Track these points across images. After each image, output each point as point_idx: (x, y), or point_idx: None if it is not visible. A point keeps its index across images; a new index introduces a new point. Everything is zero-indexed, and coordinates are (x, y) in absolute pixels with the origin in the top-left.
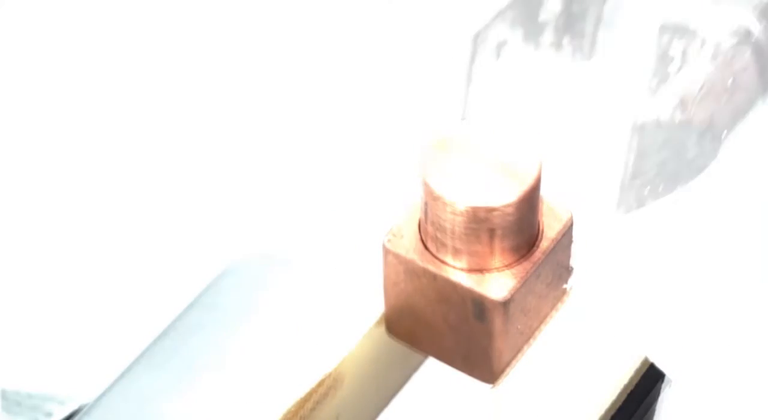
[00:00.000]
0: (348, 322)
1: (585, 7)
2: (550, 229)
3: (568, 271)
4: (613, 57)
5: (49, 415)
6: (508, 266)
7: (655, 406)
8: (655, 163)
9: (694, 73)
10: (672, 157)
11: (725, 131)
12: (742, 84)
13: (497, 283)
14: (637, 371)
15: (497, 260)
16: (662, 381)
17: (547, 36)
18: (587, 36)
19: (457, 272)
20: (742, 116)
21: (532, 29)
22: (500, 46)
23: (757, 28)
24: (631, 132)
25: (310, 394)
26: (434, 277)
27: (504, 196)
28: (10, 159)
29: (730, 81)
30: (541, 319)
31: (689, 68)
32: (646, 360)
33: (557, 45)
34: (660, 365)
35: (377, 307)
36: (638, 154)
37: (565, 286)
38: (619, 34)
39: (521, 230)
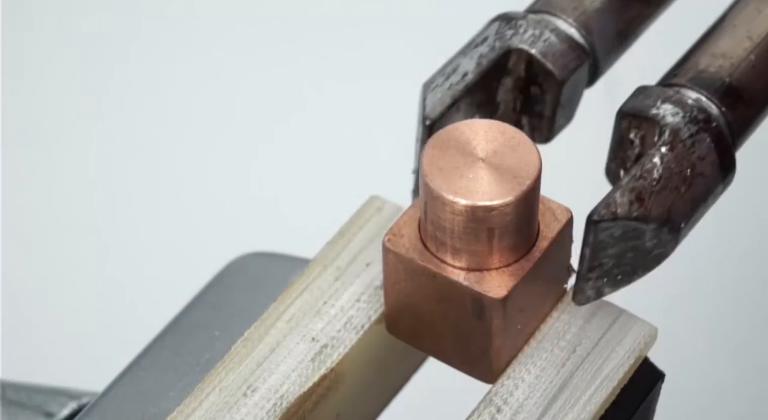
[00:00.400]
0: (349, 320)
1: (543, 90)
2: (548, 228)
3: (568, 270)
4: (571, 141)
5: (50, 415)
6: (507, 265)
7: (655, 405)
8: (612, 255)
9: (652, 164)
10: (629, 249)
11: (683, 222)
12: (701, 173)
13: (496, 282)
14: (637, 371)
15: (496, 259)
16: (662, 380)
17: (505, 113)
18: (545, 118)
19: (456, 271)
20: (702, 205)
21: (488, 110)
22: None
23: (717, 114)
24: (587, 227)
25: (310, 393)
26: (434, 276)
27: (503, 195)
28: (19, 159)
29: (688, 171)
30: (541, 318)
31: (647, 159)
32: (646, 360)
33: (516, 122)
34: (660, 365)
35: (378, 306)
36: (594, 248)
37: (564, 285)
38: (578, 119)
39: (520, 229)
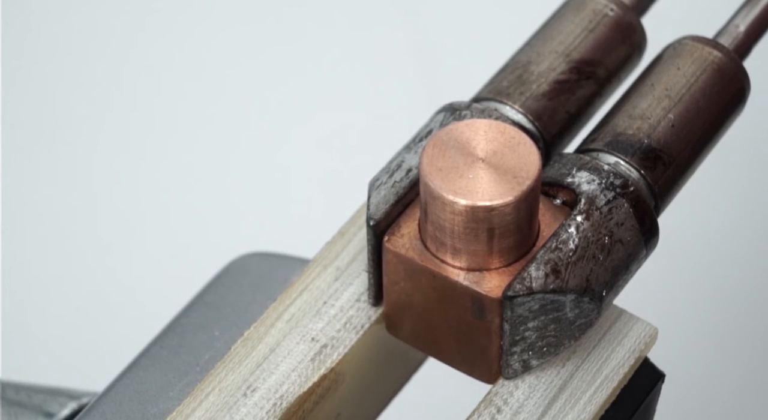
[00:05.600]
0: (349, 320)
1: None
2: (548, 228)
3: None
4: None
5: (50, 415)
6: (507, 265)
7: (655, 405)
8: (533, 328)
9: (567, 234)
10: (551, 321)
11: (605, 290)
12: (620, 239)
13: (496, 282)
14: (637, 371)
15: (496, 259)
16: (662, 381)
17: None
18: None
19: (456, 271)
20: (624, 272)
21: None
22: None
23: (636, 178)
24: (503, 302)
25: (310, 393)
26: (433, 275)
27: (503, 195)
28: (19, 159)
29: (607, 238)
30: None
31: (562, 229)
32: (646, 360)
33: None
34: (660, 365)
35: (377, 305)
36: (512, 323)
37: None
38: None
39: (520, 229)
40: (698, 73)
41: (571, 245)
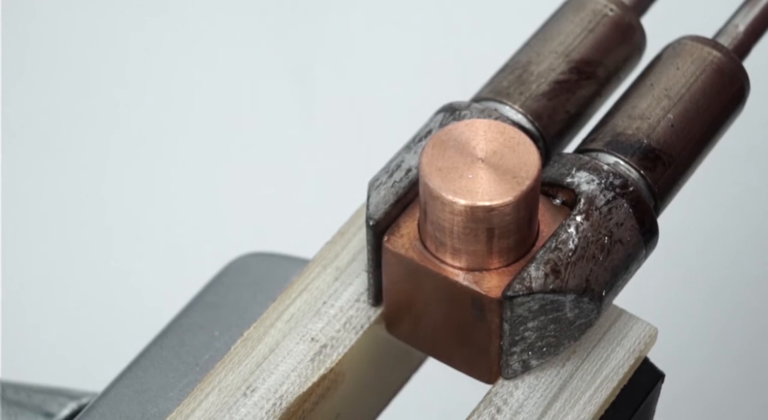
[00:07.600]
0: (348, 320)
1: None
2: (548, 228)
3: None
4: None
5: (50, 415)
6: (507, 265)
7: (655, 405)
8: (533, 328)
9: (567, 234)
10: (551, 321)
11: (605, 290)
12: (620, 239)
13: (496, 282)
14: (637, 371)
15: (496, 259)
16: (662, 381)
17: None
18: None
19: (455, 271)
20: (624, 272)
21: None
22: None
23: (635, 178)
24: (503, 302)
25: (309, 393)
26: (433, 276)
27: (502, 195)
28: (19, 159)
29: (606, 238)
30: None
31: (562, 229)
32: (646, 360)
33: None
34: (660, 365)
35: (377, 305)
36: (512, 323)
37: None
38: None
39: (520, 229)
40: (698, 73)
41: (571, 245)
